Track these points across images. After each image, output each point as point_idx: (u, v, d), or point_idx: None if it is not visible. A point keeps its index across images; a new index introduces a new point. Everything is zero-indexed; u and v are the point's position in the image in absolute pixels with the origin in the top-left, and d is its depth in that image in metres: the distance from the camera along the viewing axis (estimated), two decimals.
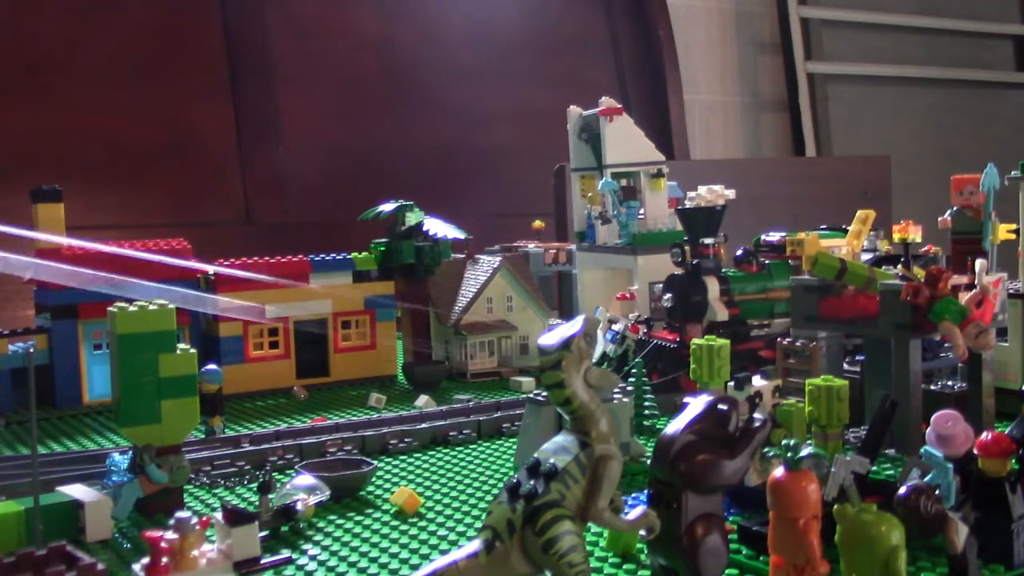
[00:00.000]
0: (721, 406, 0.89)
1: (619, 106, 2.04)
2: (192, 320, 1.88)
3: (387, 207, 1.97)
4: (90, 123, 2.93)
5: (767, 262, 1.76)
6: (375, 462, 1.30)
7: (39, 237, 1.80)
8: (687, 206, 1.75)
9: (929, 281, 1.24)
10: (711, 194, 1.74)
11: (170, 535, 0.85)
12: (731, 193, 1.79)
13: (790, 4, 4.42)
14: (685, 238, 1.75)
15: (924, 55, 4.79)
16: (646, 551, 0.93)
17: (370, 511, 1.18)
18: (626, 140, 2.04)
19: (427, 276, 1.98)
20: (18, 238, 2.30)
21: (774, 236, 1.82)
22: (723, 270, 1.72)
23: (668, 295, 1.70)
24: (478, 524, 1.07)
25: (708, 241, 1.72)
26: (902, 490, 0.86)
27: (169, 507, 1.14)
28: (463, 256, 2.13)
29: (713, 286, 1.69)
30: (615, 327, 1.78)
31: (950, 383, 1.43)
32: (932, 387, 1.41)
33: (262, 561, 0.98)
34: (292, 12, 3.36)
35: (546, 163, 2.92)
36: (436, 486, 1.28)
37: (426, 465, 1.38)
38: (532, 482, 0.81)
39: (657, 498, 0.88)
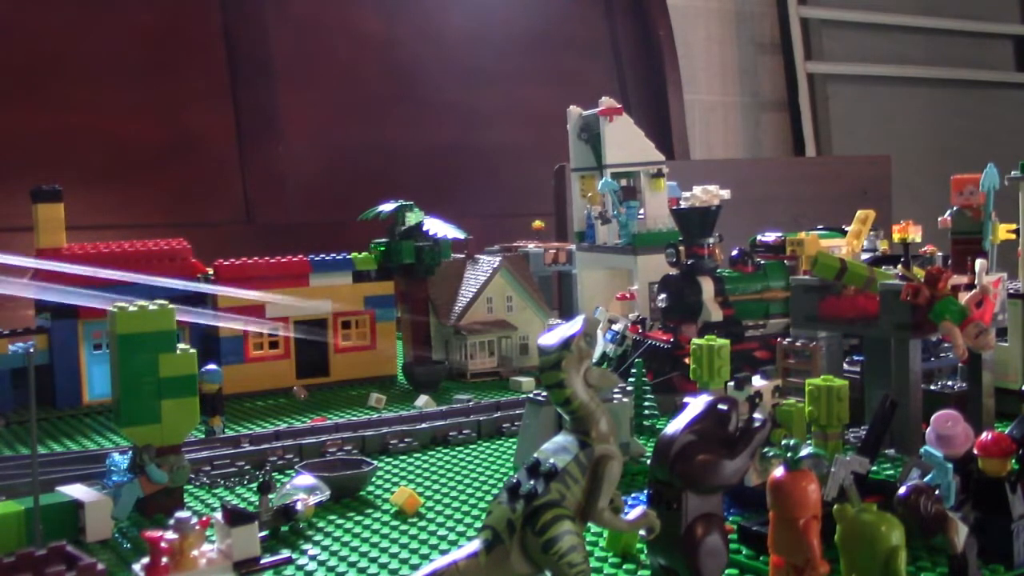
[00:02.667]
0: (721, 406, 0.89)
1: (619, 106, 2.04)
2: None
3: (387, 207, 1.97)
4: (90, 123, 2.93)
5: (762, 262, 1.76)
6: (375, 462, 1.30)
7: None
8: (682, 206, 1.75)
9: (929, 281, 1.24)
10: (706, 194, 1.74)
11: (170, 535, 0.85)
12: (726, 193, 1.79)
13: (790, 4, 4.42)
14: (680, 238, 1.75)
15: (924, 55, 4.79)
16: (646, 551, 0.93)
17: (370, 511, 1.18)
18: (626, 140, 2.04)
19: (427, 276, 1.98)
20: (17, 236, 2.31)
21: (770, 236, 1.82)
22: (718, 270, 1.72)
23: (663, 295, 1.71)
24: (478, 524, 1.07)
25: (707, 240, 1.72)
26: (902, 490, 0.86)
27: (169, 507, 1.14)
28: (463, 256, 2.13)
29: (708, 287, 1.68)
30: (615, 327, 1.77)
31: (950, 383, 1.43)
32: (932, 387, 1.41)
33: (262, 561, 0.98)
34: (292, 12, 3.36)
35: (546, 163, 2.92)
36: (436, 486, 1.28)
37: (426, 465, 1.38)
38: (532, 482, 0.81)
39: (657, 498, 0.88)
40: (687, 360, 1.60)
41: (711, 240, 1.73)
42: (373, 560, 1.02)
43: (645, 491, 0.94)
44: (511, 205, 3.35)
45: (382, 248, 1.98)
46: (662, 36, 4.00)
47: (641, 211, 2.00)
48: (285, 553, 1.03)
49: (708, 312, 1.67)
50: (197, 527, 0.86)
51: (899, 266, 1.40)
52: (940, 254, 1.86)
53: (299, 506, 1.09)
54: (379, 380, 1.97)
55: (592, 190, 2.11)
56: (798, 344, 1.33)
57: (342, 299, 1.96)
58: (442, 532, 1.10)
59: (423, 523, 1.13)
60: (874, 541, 0.81)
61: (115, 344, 1.14)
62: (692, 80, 4.23)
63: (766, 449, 0.92)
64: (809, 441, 1.11)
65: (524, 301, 2.05)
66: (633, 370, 1.53)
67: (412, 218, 1.95)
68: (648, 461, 1.04)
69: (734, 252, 1.77)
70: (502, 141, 3.55)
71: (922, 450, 0.93)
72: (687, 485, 0.86)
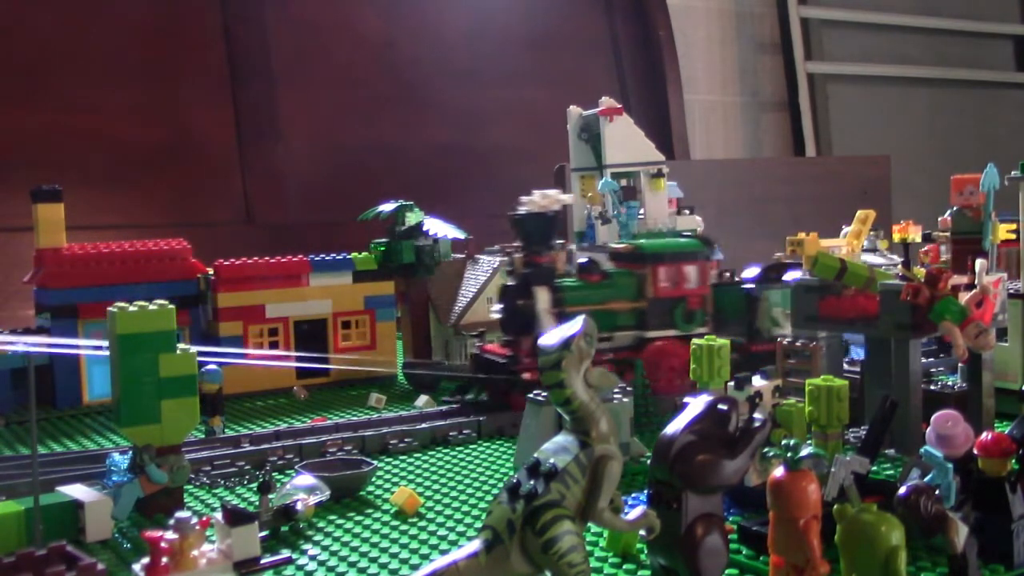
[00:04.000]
0: (721, 406, 0.89)
1: (619, 106, 2.03)
2: (192, 320, 1.88)
3: (387, 207, 1.97)
4: (90, 123, 2.93)
5: (610, 272, 1.66)
6: (375, 462, 1.30)
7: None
8: (519, 212, 1.65)
9: (929, 281, 1.24)
10: (545, 199, 1.64)
11: (170, 535, 0.85)
12: (567, 198, 1.69)
13: (790, 4, 4.42)
14: (518, 245, 1.65)
15: (924, 55, 4.79)
16: (646, 551, 0.93)
17: (370, 511, 1.18)
18: (626, 140, 2.03)
19: (427, 276, 1.98)
20: (17, 236, 2.31)
21: (621, 244, 1.73)
22: (558, 280, 1.61)
23: (498, 306, 1.62)
24: (478, 524, 1.07)
25: (547, 248, 1.63)
26: (902, 490, 0.85)
27: (169, 507, 1.14)
28: (463, 256, 2.13)
29: (543, 297, 1.58)
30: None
31: (950, 383, 1.43)
32: (932, 387, 1.41)
33: (262, 561, 0.98)
34: (292, 12, 3.36)
35: (546, 163, 2.92)
36: (436, 486, 1.28)
37: (426, 465, 1.38)
38: (532, 482, 0.81)
39: (657, 498, 0.88)
40: (526, 376, 1.54)
41: (552, 247, 1.63)
42: (373, 560, 1.02)
43: (645, 491, 0.94)
44: (511, 205, 3.35)
45: (382, 248, 1.98)
46: (662, 36, 4.00)
47: (641, 211, 2.00)
48: (285, 553, 1.03)
49: (542, 323, 1.55)
50: (197, 527, 0.87)
51: (899, 266, 1.40)
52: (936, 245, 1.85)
53: (299, 506, 1.09)
54: (379, 380, 1.98)
55: (592, 190, 2.11)
56: (798, 344, 1.33)
57: (342, 299, 1.96)
58: (442, 532, 1.10)
59: (423, 523, 1.13)
60: (874, 541, 0.80)
61: (115, 344, 1.14)
62: (692, 80, 4.23)
63: (766, 449, 0.92)
64: (809, 441, 1.11)
65: None
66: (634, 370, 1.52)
67: (412, 218, 1.95)
68: (648, 461, 1.04)
69: (581, 260, 1.68)
70: (502, 141, 3.55)
71: (922, 450, 0.93)
72: (687, 485, 0.86)
